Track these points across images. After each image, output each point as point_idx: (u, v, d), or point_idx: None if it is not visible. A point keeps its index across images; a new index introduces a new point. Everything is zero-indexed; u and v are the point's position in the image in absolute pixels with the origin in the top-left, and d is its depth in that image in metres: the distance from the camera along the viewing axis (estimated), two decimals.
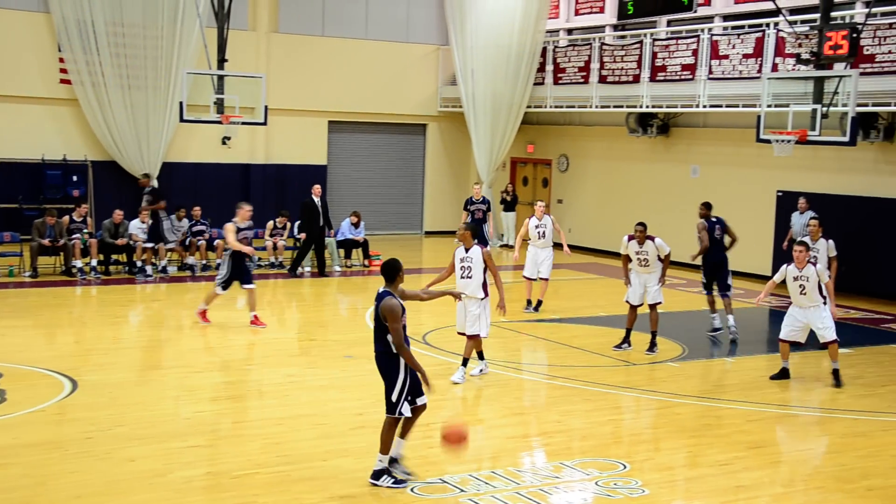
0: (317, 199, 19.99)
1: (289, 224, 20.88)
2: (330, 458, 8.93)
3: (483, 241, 19.26)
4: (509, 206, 25.56)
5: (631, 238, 13.61)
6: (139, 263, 19.01)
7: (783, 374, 12.33)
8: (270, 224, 20.87)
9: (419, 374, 8.20)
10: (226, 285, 14.64)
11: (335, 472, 8.55)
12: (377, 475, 8.23)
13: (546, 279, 16.44)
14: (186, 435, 9.51)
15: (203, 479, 8.35)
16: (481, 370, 12.04)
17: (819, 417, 10.92)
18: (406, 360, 8.13)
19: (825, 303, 11.99)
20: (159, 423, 9.91)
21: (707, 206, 15.06)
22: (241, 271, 14.64)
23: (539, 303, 16.45)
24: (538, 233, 16.30)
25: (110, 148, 22.63)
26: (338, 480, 8.38)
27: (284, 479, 8.35)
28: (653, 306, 13.69)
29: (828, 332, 11.96)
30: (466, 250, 11.75)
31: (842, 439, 10.05)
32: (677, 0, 19.34)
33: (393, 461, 8.35)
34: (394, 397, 8.14)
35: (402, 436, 8.36)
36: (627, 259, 13.79)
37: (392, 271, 8.19)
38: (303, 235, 20.02)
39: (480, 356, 12.04)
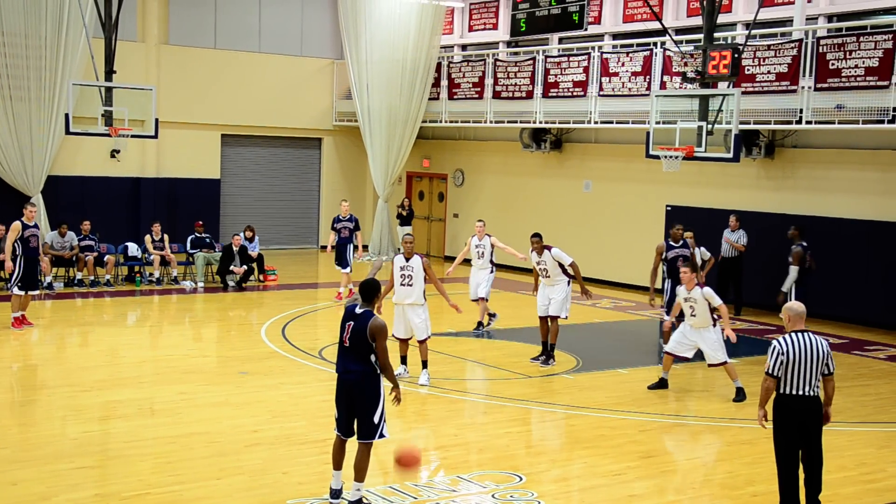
0: (235, 248, 19.96)
1: (166, 236, 20.38)
2: (224, 476, 8.77)
3: (345, 262, 18.83)
4: (405, 220, 25.58)
5: (532, 250, 13.70)
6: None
7: (661, 385, 12.54)
8: (148, 238, 20.28)
9: (396, 390, 8.12)
10: (23, 286, 14.86)
11: (229, 491, 8.40)
12: (335, 494, 8.07)
13: (485, 299, 16.05)
14: (73, 456, 9.21)
15: (91, 502, 8.08)
16: (400, 374, 12.34)
17: (707, 426, 11.23)
18: (389, 377, 8.03)
19: (715, 325, 12.16)
20: (44, 445, 9.57)
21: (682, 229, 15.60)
22: (33, 273, 15.03)
23: (479, 324, 16.15)
24: (478, 252, 16.05)
25: None
26: (232, 499, 8.23)
27: (177, 500, 8.16)
28: (553, 318, 13.67)
29: (716, 355, 12.16)
30: (407, 259, 12.31)
31: (729, 447, 10.37)
32: (568, 18, 19.78)
33: (336, 494, 8.13)
34: (376, 419, 7.97)
35: (339, 468, 8.15)
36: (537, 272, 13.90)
37: (372, 291, 8.13)
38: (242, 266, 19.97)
39: (403, 361, 12.54)
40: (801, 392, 7.76)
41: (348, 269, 18.83)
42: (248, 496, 8.30)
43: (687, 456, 10.18)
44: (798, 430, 7.83)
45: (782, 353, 7.72)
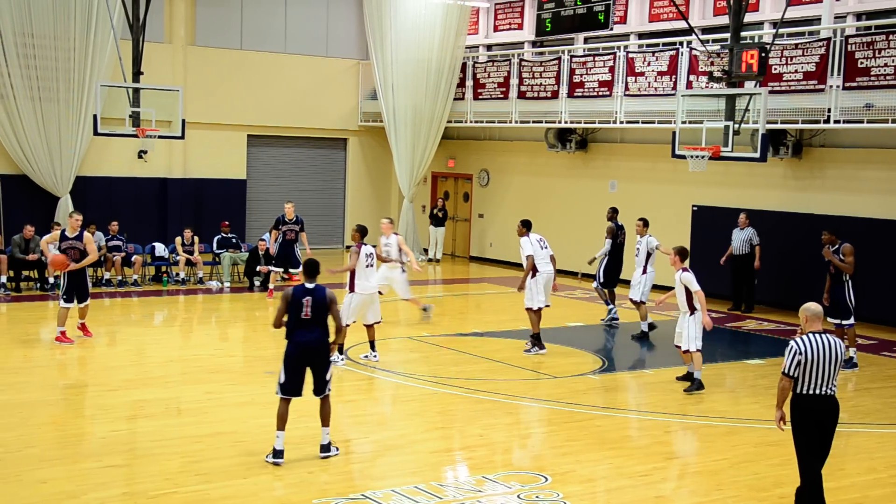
0: (261, 252, 19.98)
1: (196, 239, 20.51)
2: (250, 475, 8.81)
3: (295, 263, 18.99)
4: (439, 221, 25.63)
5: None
6: (51, 280, 18.54)
7: (688, 377, 12.68)
8: (179, 240, 20.40)
9: (335, 345, 9.57)
10: (68, 298, 14.28)
11: (255, 490, 8.44)
12: (280, 454, 9.09)
13: (410, 299, 16.81)
14: (101, 455, 9.28)
15: (118, 501, 8.14)
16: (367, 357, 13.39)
17: (734, 427, 11.16)
18: (343, 335, 9.69)
19: (692, 314, 12.26)
20: (72, 444, 9.66)
21: (614, 211, 17.67)
22: (79, 284, 14.35)
23: (425, 308, 16.84)
24: (385, 252, 15.86)
25: (20, 162, 22.02)
26: (258, 498, 8.27)
27: (203, 499, 8.20)
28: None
29: (684, 341, 12.30)
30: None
31: (755, 448, 10.29)
32: (594, 18, 19.74)
33: (281, 454, 9.10)
34: (328, 376, 9.28)
35: (284, 428, 9.16)
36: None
37: (317, 269, 9.33)
38: (265, 268, 19.93)
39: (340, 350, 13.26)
40: (818, 392, 7.84)
41: (300, 269, 18.71)
42: (274, 496, 8.34)
43: (713, 457, 10.11)
44: (816, 427, 7.94)
45: (800, 353, 7.80)
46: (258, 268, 19.98)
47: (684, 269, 12.31)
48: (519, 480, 8.89)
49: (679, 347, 12.60)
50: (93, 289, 19.00)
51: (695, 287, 12.13)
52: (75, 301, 14.34)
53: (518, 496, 8.50)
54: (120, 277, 19.66)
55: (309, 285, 9.18)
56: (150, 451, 9.50)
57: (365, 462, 9.52)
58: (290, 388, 9.17)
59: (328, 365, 9.30)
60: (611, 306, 17.08)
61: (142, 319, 17.01)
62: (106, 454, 9.31)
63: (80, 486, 8.39)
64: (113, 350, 14.39)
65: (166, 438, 9.89)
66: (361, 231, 13.36)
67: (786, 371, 7.87)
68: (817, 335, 7.88)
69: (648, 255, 16.04)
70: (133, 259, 19.96)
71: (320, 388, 9.28)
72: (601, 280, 17.05)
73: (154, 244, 20.88)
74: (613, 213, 17.70)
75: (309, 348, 9.13)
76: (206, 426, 10.33)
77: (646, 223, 16.32)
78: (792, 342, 7.91)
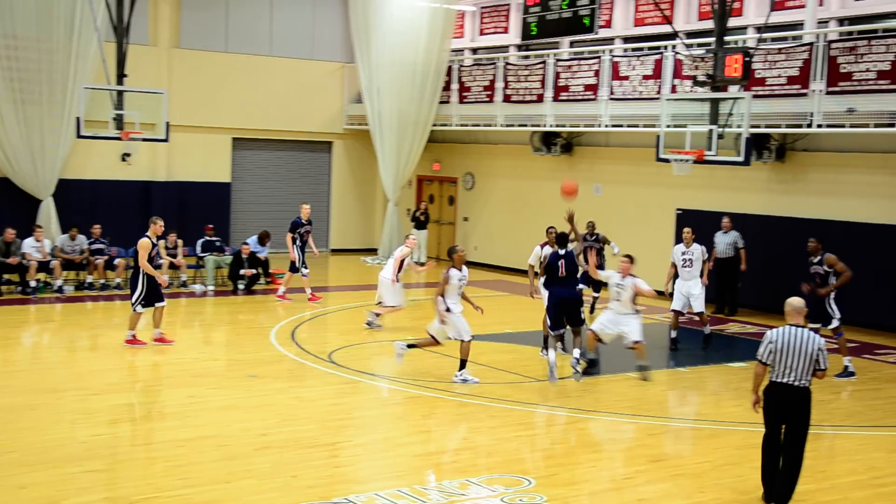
0: (245, 256, 19.96)
1: (180, 242, 20.38)
2: (233, 479, 8.77)
3: (303, 263, 19.01)
4: (421, 224, 25.55)
5: (544, 245, 14.26)
6: (32, 283, 18.44)
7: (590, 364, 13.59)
8: (162, 243, 20.25)
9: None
10: (147, 303, 14.19)
11: (239, 494, 8.41)
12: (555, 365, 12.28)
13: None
14: (83, 459, 9.22)
15: None
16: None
17: (717, 430, 11.19)
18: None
19: (637, 313, 13.25)
20: (54, 448, 9.59)
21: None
22: (155, 288, 14.26)
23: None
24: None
25: (2, 164, 21.89)
26: (241, 502, 8.24)
27: (186, 503, 8.17)
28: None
29: (633, 335, 13.12)
30: (460, 270, 12.85)
31: (738, 451, 10.31)
32: (579, 22, 19.73)
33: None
34: (579, 315, 12.63)
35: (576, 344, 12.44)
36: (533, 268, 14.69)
37: (567, 239, 12.65)
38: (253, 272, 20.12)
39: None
40: (786, 381, 8.25)
41: (308, 270, 19.10)
42: (258, 500, 8.30)
43: (697, 460, 10.14)
44: (781, 417, 8.33)
45: (772, 342, 8.30)
46: (242, 271, 19.92)
47: (633, 274, 13.34)
48: (503, 484, 8.88)
49: (592, 332, 13.41)
50: (75, 292, 19.04)
51: (646, 291, 13.15)
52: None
53: (502, 499, 8.49)
54: (103, 280, 19.57)
55: (561, 251, 12.00)
56: (133, 456, 9.46)
57: (348, 465, 9.51)
58: (556, 325, 12.49)
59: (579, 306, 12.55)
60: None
61: (124, 322, 16.88)
62: (87, 459, 9.25)
63: (61, 491, 8.34)
64: (95, 354, 14.32)
65: (149, 443, 9.85)
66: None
67: (758, 356, 8.39)
68: (794, 328, 8.29)
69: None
70: (116, 262, 19.85)
71: (577, 322, 12.47)
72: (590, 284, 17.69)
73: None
74: (592, 227, 18.15)
75: (565, 300, 12.23)
76: (189, 430, 10.28)
77: (692, 233, 16.12)
78: (768, 331, 8.40)
